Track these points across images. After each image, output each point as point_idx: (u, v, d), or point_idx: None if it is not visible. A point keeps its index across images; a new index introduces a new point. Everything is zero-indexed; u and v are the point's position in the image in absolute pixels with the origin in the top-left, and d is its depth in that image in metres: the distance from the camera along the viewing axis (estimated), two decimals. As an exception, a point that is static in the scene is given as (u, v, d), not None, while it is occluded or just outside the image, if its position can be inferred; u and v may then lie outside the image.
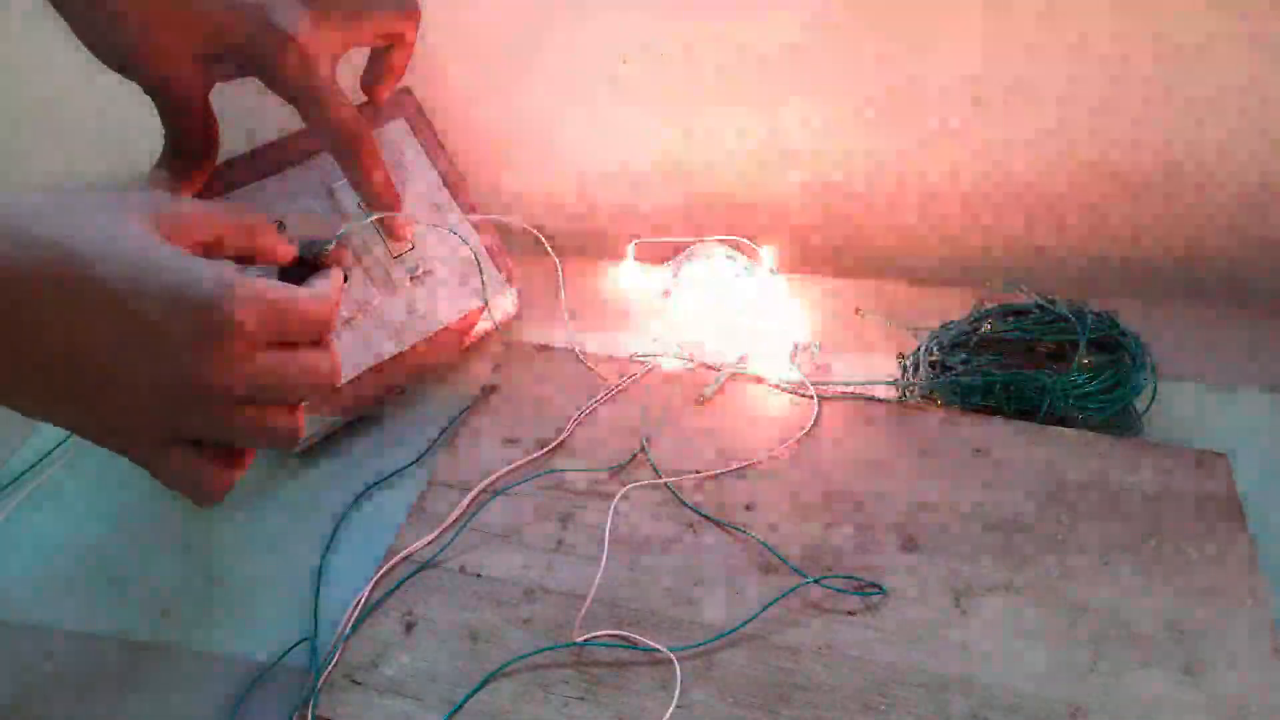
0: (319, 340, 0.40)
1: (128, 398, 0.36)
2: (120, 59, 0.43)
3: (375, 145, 0.48)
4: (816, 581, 0.44)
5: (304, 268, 0.44)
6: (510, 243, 0.62)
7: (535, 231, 0.55)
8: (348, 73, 0.48)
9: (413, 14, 0.50)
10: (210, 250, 0.40)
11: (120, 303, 0.34)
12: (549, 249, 0.55)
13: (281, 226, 0.50)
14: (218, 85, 0.47)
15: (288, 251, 0.43)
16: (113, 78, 0.44)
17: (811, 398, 0.53)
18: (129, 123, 0.51)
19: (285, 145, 0.53)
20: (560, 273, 0.56)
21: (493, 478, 0.50)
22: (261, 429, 0.39)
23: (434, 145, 0.57)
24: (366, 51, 0.52)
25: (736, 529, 0.47)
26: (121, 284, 0.34)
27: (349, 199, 0.52)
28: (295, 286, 0.40)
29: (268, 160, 0.52)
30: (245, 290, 0.36)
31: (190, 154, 0.47)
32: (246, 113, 0.53)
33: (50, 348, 0.34)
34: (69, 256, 0.34)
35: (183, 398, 0.36)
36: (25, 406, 0.36)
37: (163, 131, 0.47)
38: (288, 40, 0.43)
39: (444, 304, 0.56)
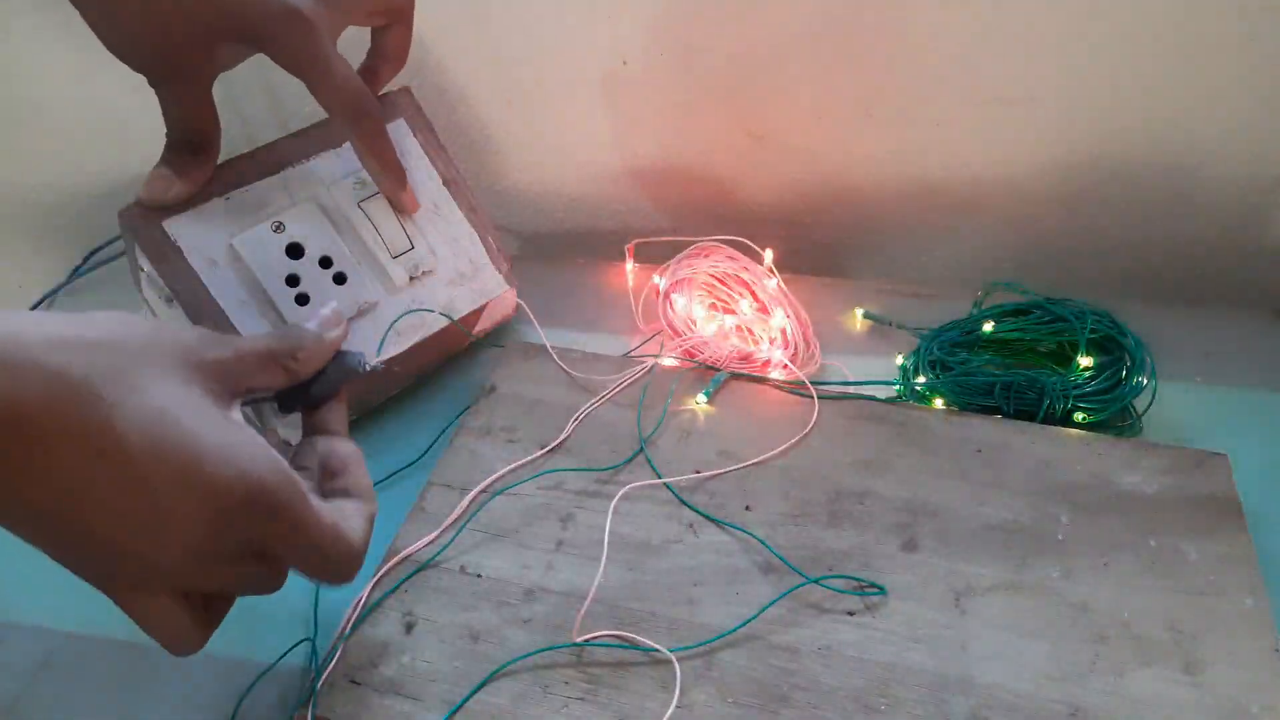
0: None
1: (113, 549, 0.31)
2: (131, 46, 0.43)
3: (381, 118, 0.49)
4: (816, 581, 0.44)
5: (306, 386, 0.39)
6: (509, 243, 0.62)
7: (517, 290, 0.57)
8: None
9: None
10: (251, 395, 0.36)
11: (131, 463, 0.29)
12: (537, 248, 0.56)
13: (280, 227, 0.50)
14: (219, 87, 0.47)
15: (335, 345, 0.39)
16: (112, 77, 0.44)
17: (812, 398, 0.53)
18: (129, 123, 0.51)
19: (285, 146, 0.53)
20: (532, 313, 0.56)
21: (493, 478, 0.50)
22: (251, 586, 0.35)
23: (434, 145, 0.57)
24: (368, 49, 0.52)
25: (736, 529, 0.47)
26: (139, 441, 0.29)
27: (347, 199, 0.52)
28: (336, 525, 0.34)
29: (268, 160, 0.52)
30: (306, 515, 0.32)
31: (192, 151, 0.48)
32: (246, 112, 0.53)
33: (31, 488, 0.29)
34: (85, 398, 0.28)
35: (175, 563, 0.32)
36: None
37: (164, 130, 0.47)
38: (293, 14, 0.43)
39: (443, 304, 0.56)
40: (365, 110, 0.48)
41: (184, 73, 0.45)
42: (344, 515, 0.36)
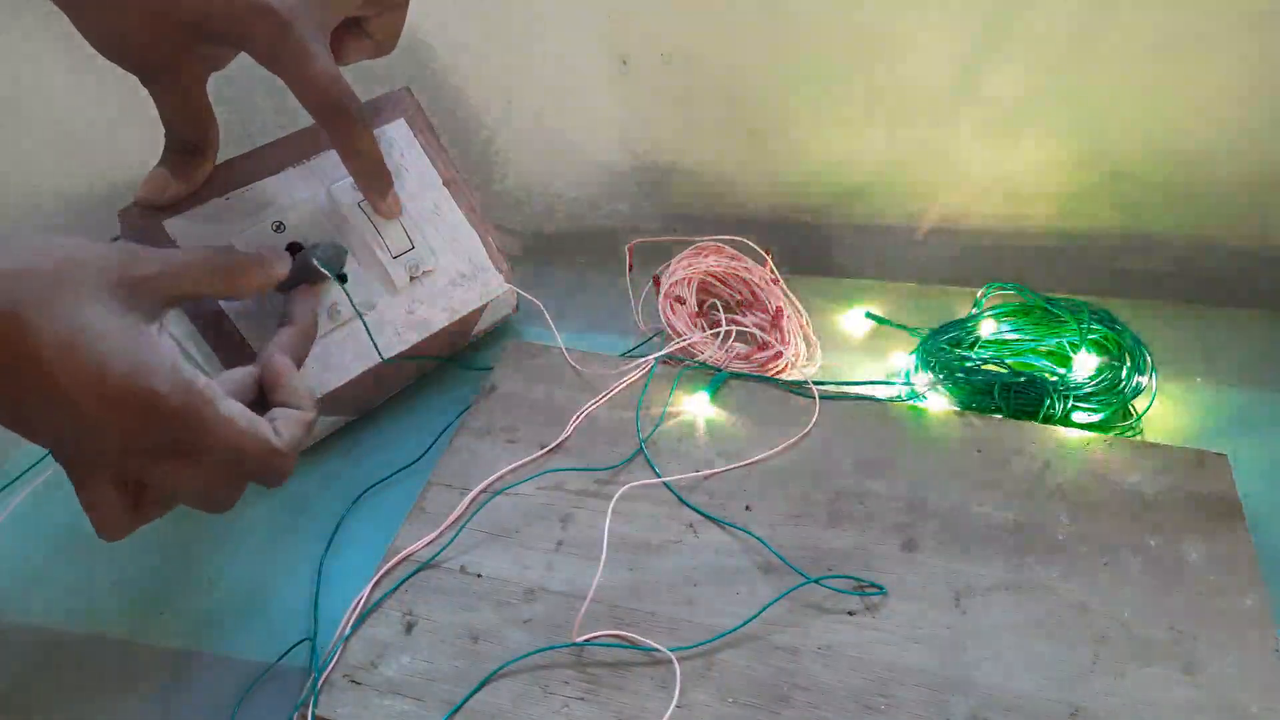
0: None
1: (52, 440, 0.36)
2: (110, 44, 0.43)
3: (363, 114, 0.47)
4: (816, 581, 0.44)
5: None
6: (509, 243, 0.62)
7: (517, 290, 0.58)
8: (349, 74, 0.48)
9: None
10: (184, 300, 0.40)
11: (51, 380, 0.33)
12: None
13: (280, 227, 0.50)
14: (221, 87, 0.47)
15: (279, 276, 0.45)
16: (111, 78, 0.44)
17: (812, 398, 0.53)
18: (128, 123, 0.51)
19: (285, 145, 0.53)
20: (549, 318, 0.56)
21: (493, 478, 0.50)
22: (181, 488, 0.39)
23: (434, 145, 0.57)
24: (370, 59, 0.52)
25: (736, 529, 0.47)
26: (55, 360, 0.33)
27: (347, 198, 0.52)
28: (254, 429, 0.39)
29: (267, 160, 0.52)
30: (212, 418, 0.37)
31: (189, 151, 0.47)
32: (246, 113, 0.53)
33: None
34: (10, 326, 0.32)
35: (101, 454, 0.36)
36: None
37: (162, 131, 0.47)
38: (264, 11, 0.42)
39: (443, 304, 0.56)
40: (341, 109, 0.46)
41: (169, 71, 0.45)
42: (272, 420, 0.40)
